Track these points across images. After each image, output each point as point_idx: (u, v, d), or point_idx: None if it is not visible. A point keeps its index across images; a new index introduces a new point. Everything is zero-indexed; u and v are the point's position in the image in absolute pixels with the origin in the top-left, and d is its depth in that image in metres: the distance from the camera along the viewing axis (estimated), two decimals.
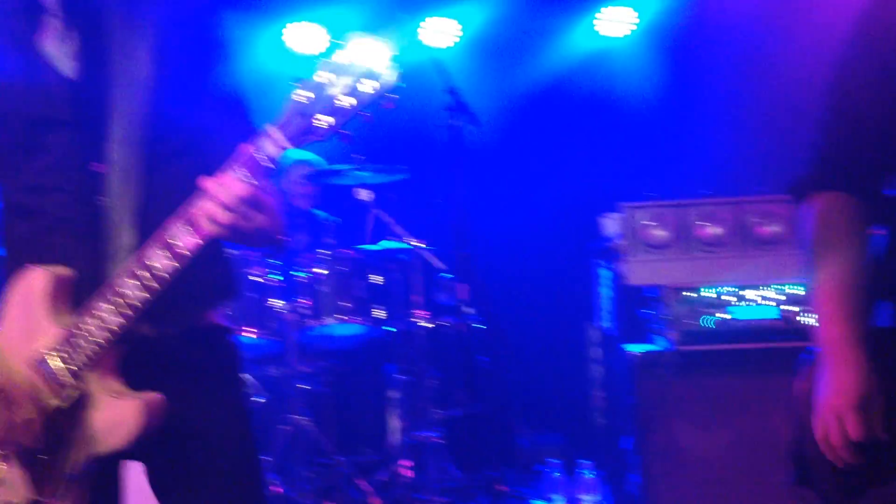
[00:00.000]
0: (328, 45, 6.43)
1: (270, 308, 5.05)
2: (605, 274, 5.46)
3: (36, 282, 2.01)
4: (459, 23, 6.51)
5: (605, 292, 5.49)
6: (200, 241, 1.86)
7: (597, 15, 6.58)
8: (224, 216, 1.81)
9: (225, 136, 2.04)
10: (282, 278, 5.13)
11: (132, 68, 2.03)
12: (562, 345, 6.23)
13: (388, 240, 5.41)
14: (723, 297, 4.50)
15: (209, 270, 2.10)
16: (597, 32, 6.63)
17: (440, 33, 6.49)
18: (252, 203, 1.83)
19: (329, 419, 5.27)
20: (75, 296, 1.99)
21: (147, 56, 2.04)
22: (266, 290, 5.05)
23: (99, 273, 1.98)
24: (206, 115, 2.08)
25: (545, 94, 6.53)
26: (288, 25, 6.41)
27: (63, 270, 2.01)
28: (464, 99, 4.66)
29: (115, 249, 1.99)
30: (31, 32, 2.07)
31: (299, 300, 5.08)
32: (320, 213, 5.81)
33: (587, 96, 6.60)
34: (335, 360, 5.44)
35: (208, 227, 1.83)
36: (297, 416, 5.02)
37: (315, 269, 5.12)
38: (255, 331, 4.99)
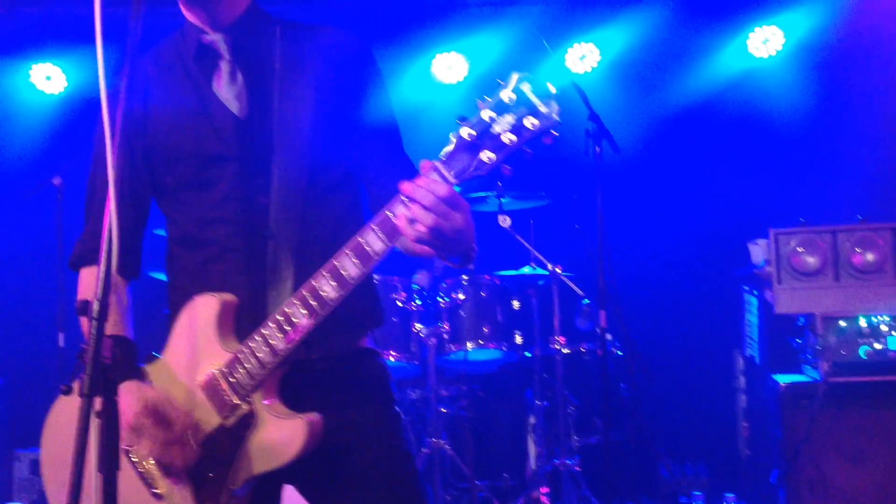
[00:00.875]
0: (466, 73, 6.52)
1: (412, 332, 5.15)
2: (751, 301, 5.31)
3: (205, 307, 2.13)
4: (599, 47, 6.48)
5: (751, 320, 5.33)
6: (390, 246, 1.93)
7: (749, 35, 6.41)
8: (426, 216, 1.85)
9: (380, 167, 2.16)
10: (423, 303, 5.22)
11: (294, 105, 2.15)
12: (705, 373, 6.07)
13: (528, 265, 5.42)
14: (878, 327, 4.31)
15: (360, 298, 2.17)
16: (744, 52, 6.47)
17: (580, 58, 6.48)
18: (450, 202, 1.85)
19: (467, 443, 5.31)
20: (248, 318, 2.10)
21: (307, 93, 2.16)
22: (408, 315, 5.16)
23: (260, 300, 2.09)
24: (362, 147, 2.19)
25: (689, 117, 6.40)
26: (437, 56, 6.53)
27: (230, 297, 2.13)
28: (604, 124, 4.63)
29: (277, 278, 2.10)
30: (204, 75, 2.21)
31: (440, 325, 5.15)
32: None
33: (734, 118, 6.43)
34: (474, 384, 5.49)
35: (408, 230, 1.88)
36: (436, 440, 5.08)
37: (455, 295, 5.19)
38: (397, 354, 5.10)
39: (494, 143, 1.82)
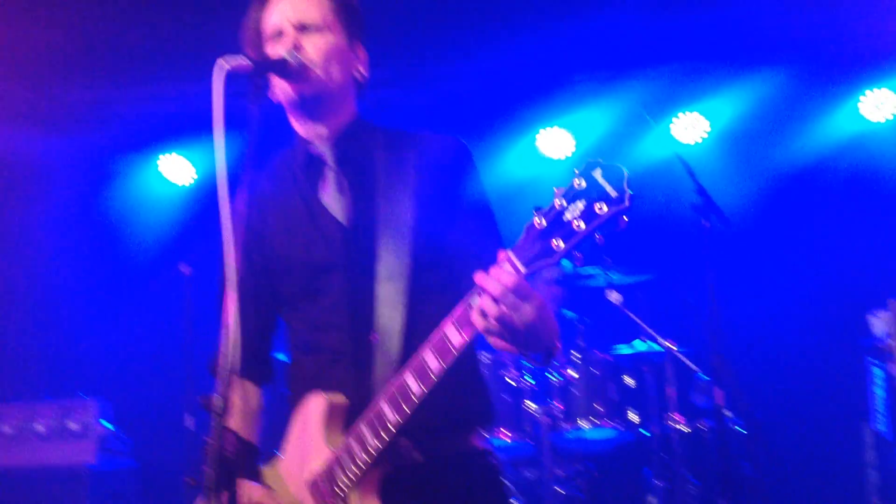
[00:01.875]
0: (574, 149, 6.57)
1: (524, 410, 5.15)
2: (877, 373, 5.11)
3: (315, 407, 2.22)
4: (706, 116, 6.46)
5: (878, 392, 5.13)
6: (468, 339, 1.94)
7: (860, 98, 6.30)
8: (493, 307, 1.88)
9: (473, 257, 2.18)
10: (535, 381, 5.22)
11: (396, 210, 2.24)
12: (832, 448, 5.84)
13: (640, 341, 5.37)
14: None
15: (468, 396, 2.23)
16: (856, 115, 6.34)
17: (688, 129, 6.47)
18: (519, 293, 1.88)
19: None
20: (351, 418, 2.17)
21: (408, 197, 2.25)
22: (520, 393, 5.17)
23: (371, 397, 2.15)
24: (460, 239, 2.24)
25: (801, 183, 6.28)
26: (540, 131, 6.60)
27: (338, 397, 2.21)
28: (711, 199, 4.60)
29: (383, 380, 2.16)
30: (312, 184, 2.34)
31: (552, 403, 5.14)
32: (570, 315, 5.89)
33: (847, 183, 6.27)
34: (590, 463, 5.42)
35: (479, 321, 1.91)
36: None
37: (567, 372, 5.18)
38: (509, 433, 5.10)
39: (565, 230, 1.83)
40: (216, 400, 1.88)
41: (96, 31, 5.56)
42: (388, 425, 2.05)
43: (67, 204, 6.72)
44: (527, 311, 1.89)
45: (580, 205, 1.82)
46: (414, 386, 2.00)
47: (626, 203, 1.79)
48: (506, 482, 2.36)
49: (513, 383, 5.17)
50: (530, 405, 5.16)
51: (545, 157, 6.64)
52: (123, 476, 5.75)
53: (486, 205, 2.30)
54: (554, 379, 5.21)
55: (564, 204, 1.84)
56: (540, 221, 1.86)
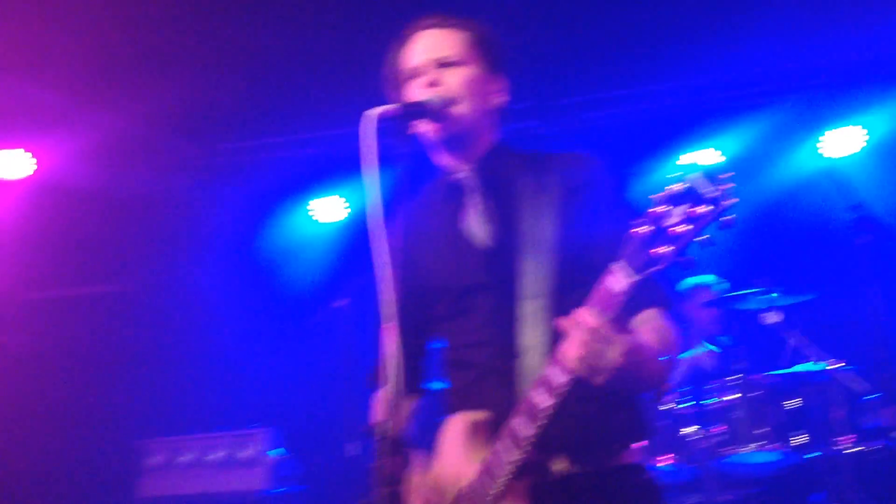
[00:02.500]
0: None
1: (684, 436, 5.07)
2: None
3: (461, 423, 2.32)
4: (865, 128, 6.23)
5: None
6: (566, 380, 2.00)
7: None
8: (576, 353, 1.95)
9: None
10: (693, 404, 5.14)
11: (537, 230, 2.31)
12: None
13: (803, 362, 5.21)
14: None
15: (622, 412, 2.25)
16: None
17: (841, 143, 6.26)
18: (604, 339, 1.94)
19: None
20: (494, 436, 2.23)
21: (548, 218, 2.31)
22: (678, 418, 5.09)
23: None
24: (602, 255, 2.16)
25: None
26: (683, 154, 6.52)
27: (480, 415, 2.29)
28: (871, 210, 4.44)
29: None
30: (455, 213, 2.45)
31: (713, 427, 5.04)
32: (725, 340, 5.77)
33: None
34: (756, 488, 5.27)
35: (569, 365, 1.98)
36: None
37: (726, 397, 5.07)
38: (670, 458, 5.03)
39: (670, 234, 1.84)
40: (383, 424, 1.99)
41: (248, 87, 5.93)
42: (522, 440, 2.11)
43: (230, 244, 7.11)
44: (613, 356, 1.95)
45: (683, 208, 1.82)
46: (541, 402, 2.06)
47: (728, 202, 1.78)
48: (663, 501, 2.33)
49: (671, 407, 5.11)
50: (689, 429, 5.08)
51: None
52: (293, 500, 6.01)
53: (627, 220, 2.28)
54: (712, 403, 5.11)
55: (668, 208, 1.84)
56: (646, 228, 1.88)
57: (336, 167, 6.67)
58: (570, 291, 2.24)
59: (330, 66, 5.75)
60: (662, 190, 1.87)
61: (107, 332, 7.13)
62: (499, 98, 2.45)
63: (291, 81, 5.94)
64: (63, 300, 7.30)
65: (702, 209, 1.80)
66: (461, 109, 2.34)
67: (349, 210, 7.09)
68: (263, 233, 7.17)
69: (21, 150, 6.17)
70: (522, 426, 2.10)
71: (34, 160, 6.21)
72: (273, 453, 5.94)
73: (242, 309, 7.04)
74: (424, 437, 2.48)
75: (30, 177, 6.24)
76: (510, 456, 2.14)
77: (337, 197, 7.08)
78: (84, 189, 6.52)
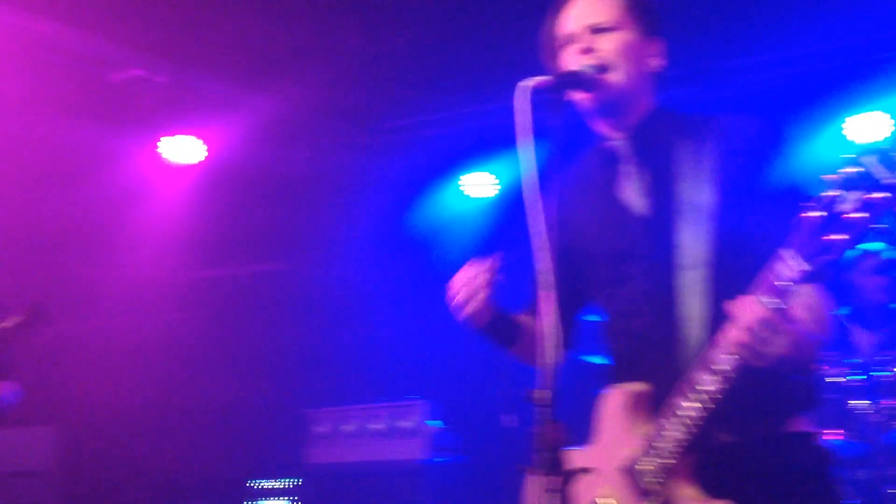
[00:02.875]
0: (889, 134, 6.11)
1: (853, 409, 4.88)
2: None
3: (618, 397, 2.31)
4: None
5: None
6: (732, 366, 1.99)
7: None
8: (742, 340, 1.93)
9: (781, 241, 2.04)
10: (864, 377, 4.94)
11: (695, 197, 2.26)
12: None
13: None
14: None
15: (788, 381, 2.19)
16: None
17: None
18: (772, 328, 1.91)
19: None
20: (657, 405, 2.22)
21: (708, 183, 2.25)
22: (848, 391, 4.91)
23: (675, 384, 2.17)
24: (763, 223, 2.16)
25: None
26: (846, 120, 6.20)
27: (640, 387, 2.28)
28: None
29: (686, 365, 2.17)
30: (610, 180, 2.43)
31: (883, 401, 4.83)
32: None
33: None
34: None
35: (732, 351, 1.97)
36: None
37: None
38: (839, 432, 4.86)
39: (843, 221, 1.76)
40: (541, 393, 2.02)
41: (401, 66, 6.05)
42: (689, 419, 2.09)
43: (385, 219, 7.28)
44: (778, 345, 1.93)
45: (857, 194, 1.73)
46: (707, 383, 2.04)
47: None
48: (833, 469, 2.25)
49: (840, 380, 4.92)
50: (859, 403, 4.89)
51: (854, 143, 6.20)
52: (453, 470, 6.15)
53: (793, 187, 2.20)
54: (884, 375, 4.90)
55: (843, 195, 1.75)
56: (817, 214, 1.79)
57: (487, 142, 6.71)
58: (729, 262, 2.20)
59: (481, 41, 5.79)
60: (835, 172, 1.77)
61: (272, 308, 7.48)
62: (656, 62, 2.40)
63: (443, 58, 6.01)
64: (232, 278, 7.69)
65: (878, 196, 1.72)
66: (616, 76, 2.31)
67: (499, 186, 7.13)
68: (416, 209, 7.30)
69: (193, 137, 6.46)
70: (689, 406, 2.09)
71: (205, 146, 6.50)
72: (431, 424, 6.07)
73: (398, 284, 7.21)
74: (582, 408, 2.50)
75: (201, 162, 6.54)
76: (676, 434, 2.12)
77: (487, 173, 7.13)
78: (249, 172, 6.83)
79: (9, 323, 2.67)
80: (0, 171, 6.26)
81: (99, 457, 7.37)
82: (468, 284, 2.42)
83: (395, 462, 6.00)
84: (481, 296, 2.41)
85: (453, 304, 2.44)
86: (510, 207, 6.87)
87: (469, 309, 2.43)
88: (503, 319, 2.52)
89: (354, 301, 7.29)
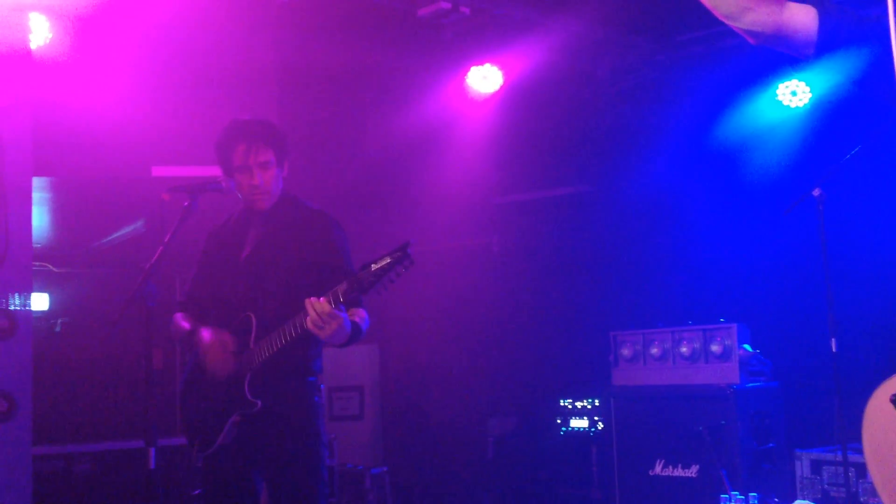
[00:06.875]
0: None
1: None
2: None
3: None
4: None
5: None
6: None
7: None
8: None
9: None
10: None
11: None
12: None
13: None
14: None
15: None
16: None
17: None
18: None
19: None
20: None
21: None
22: None
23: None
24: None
25: None
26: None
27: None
28: None
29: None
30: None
31: None
32: None
33: None
34: None
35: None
36: None
37: None
38: None
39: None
40: None
41: None
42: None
43: (694, 136, 7.01)
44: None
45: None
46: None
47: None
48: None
49: None
50: None
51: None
52: (765, 394, 5.93)
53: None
54: None
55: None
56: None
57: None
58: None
59: None
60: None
61: (579, 231, 7.51)
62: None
63: None
64: (536, 202, 7.80)
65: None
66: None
67: (811, 95, 6.63)
68: (727, 121, 6.97)
69: (489, 65, 6.62)
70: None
71: (501, 72, 6.63)
72: (743, 348, 5.89)
73: (708, 201, 6.95)
74: None
75: (499, 90, 6.68)
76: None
77: (798, 81, 6.66)
78: (546, 96, 6.86)
79: (383, 262, 3.10)
80: (324, 100, 6.77)
81: (413, 370, 7.89)
82: None
83: (704, 386, 5.88)
84: None
85: None
86: (827, 120, 6.40)
87: None
88: None
89: (662, 219, 7.13)
